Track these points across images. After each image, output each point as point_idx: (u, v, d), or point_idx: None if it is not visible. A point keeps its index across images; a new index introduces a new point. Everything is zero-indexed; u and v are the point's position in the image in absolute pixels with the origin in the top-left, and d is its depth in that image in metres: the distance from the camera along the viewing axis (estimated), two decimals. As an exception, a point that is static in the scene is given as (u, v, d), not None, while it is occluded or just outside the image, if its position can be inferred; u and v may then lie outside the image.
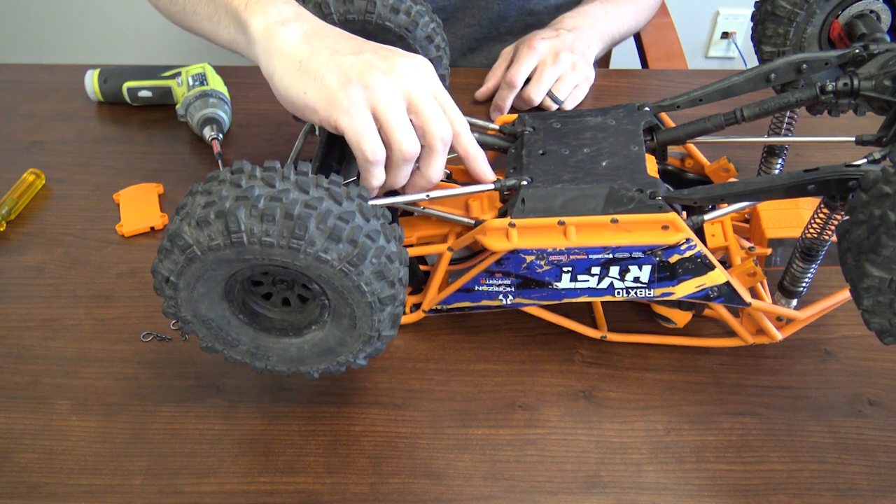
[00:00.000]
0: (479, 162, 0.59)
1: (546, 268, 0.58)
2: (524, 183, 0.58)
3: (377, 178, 0.56)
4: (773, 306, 0.60)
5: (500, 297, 0.61)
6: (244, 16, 0.59)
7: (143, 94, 0.88)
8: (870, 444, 0.59)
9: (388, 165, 0.56)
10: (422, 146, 0.56)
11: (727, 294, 0.58)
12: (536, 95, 0.85)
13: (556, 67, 0.86)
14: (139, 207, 0.78)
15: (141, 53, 1.84)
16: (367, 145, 0.54)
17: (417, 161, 0.57)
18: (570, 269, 0.58)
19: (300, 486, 0.57)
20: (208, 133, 0.82)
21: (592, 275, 0.58)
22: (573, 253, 0.57)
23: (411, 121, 0.55)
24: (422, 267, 0.66)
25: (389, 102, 0.54)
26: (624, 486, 0.57)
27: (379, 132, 0.54)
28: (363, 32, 0.65)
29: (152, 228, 0.76)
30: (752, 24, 0.69)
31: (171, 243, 0.50)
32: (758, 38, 0.68)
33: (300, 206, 0.48)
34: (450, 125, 0.56)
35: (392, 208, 0.61)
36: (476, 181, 0.60)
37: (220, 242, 0.49)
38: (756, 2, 0.68)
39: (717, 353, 0.65)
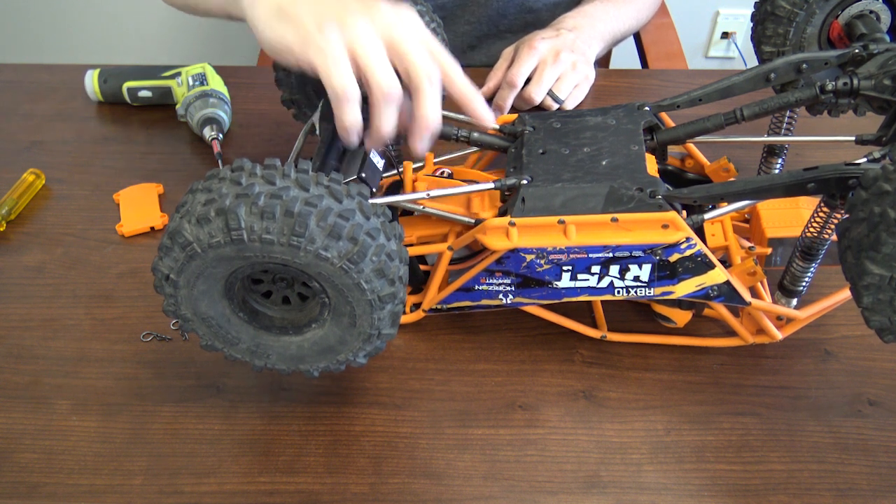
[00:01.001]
0: (476, 102, 0.58)
1: (546, 267, 0.58)
2: (524, 182, 0.58)
3: (348, 115, 0.54)
4: (773, 306, 0.60)
5: (500, 296, 0.61)
6: None
7: (143, 94, 0.88)
8: (870, 444, 0.59)
9: (372, 108, 0.55)
10: (411, 88, 0.54)
11: (727, 293, 0.58)
12: (537, 95, 0.85)
13: (556, 67, 0.86)
14: (139, 207, 0.78)
15: (141, 53, 1.84)
16: (337, 80, 0.53)
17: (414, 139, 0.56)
18: (570, 268, 0.58)
19: (300, 486, 0.57)
20: (208, 133, 0.82)
21: (592, 274, 0.58)
22: (573, 252, 0.57)
23: (395, 65, 0.54)
24: (422, 266, 0.66)
25: (365, 41, 0.53)
26: (624, 486, 0.57)
27: (359, 77, 0.53)
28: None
29: (152, 228, 0.76)
30: (752, 24, 0.69)
31: (172, 241, 0.50)
32: (758, 38, 0.68)
33: (300, 204, 0.48)
34: (436, 64, 0.55)
35: (392, 207, 0.61)
36: (479, 128, 0.58)
37: (220, 240, 0.49)
38: (756, 2, 0.68)
39: (717, 353, 0.65)
